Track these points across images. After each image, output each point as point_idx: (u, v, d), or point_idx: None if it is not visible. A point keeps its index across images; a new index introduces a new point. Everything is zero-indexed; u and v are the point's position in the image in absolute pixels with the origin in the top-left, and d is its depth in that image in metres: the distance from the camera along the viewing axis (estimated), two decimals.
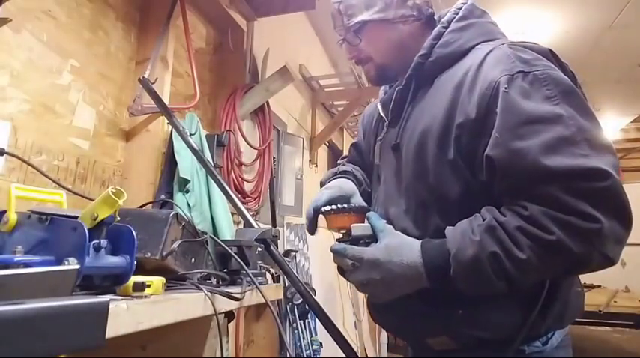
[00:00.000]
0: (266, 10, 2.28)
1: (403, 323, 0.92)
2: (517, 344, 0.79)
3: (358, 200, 0.98)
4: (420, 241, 0.80)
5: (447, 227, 0.79)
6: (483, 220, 0.74)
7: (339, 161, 1.28)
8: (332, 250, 0.86)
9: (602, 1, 3.19)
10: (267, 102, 2.26)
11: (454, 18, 0.89)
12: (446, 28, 0.88)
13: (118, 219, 0.71)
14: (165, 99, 1.56)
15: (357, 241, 0.85)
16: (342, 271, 0.89)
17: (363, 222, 0.87)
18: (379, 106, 1.03)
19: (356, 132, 4.75)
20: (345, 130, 4.39)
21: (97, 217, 0.67)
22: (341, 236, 0.89)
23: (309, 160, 3.60)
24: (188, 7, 1.78)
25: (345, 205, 0.89)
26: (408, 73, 0.91)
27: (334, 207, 0.88)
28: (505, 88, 0.75)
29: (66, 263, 0.60)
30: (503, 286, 0.73)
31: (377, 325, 4.42)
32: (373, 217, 0.86)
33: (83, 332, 0.46)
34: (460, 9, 0.90)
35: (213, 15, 2.12)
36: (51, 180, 1.11)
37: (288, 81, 2.18)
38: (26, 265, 0.58)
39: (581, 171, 0.68)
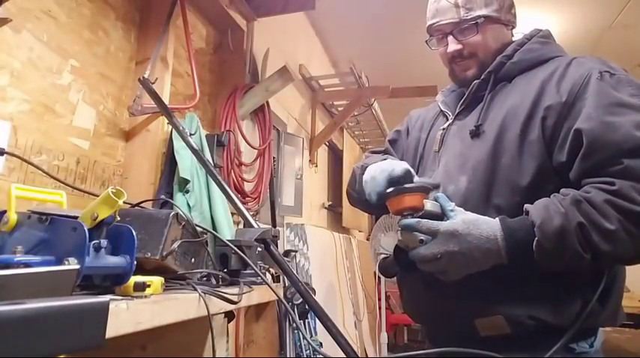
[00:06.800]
0: (266, 10, 2.28)
1: (451, 304, 0.91)
2: (572, 332, 0.80)
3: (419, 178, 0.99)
4: (498, 217, 0.82)
5: (526, 204, 0.81)
6: (564, 196, 0.77)
7: (366, 154, 1.29)
8: (402, 224, 0.84)
9: (602, 1, 3.19)
10: (267, 102, 2.26)
11: (536, 34, 1.02)
12: (528, 40, 1.01)
13: (118, 219, 0.71)
14: (166, 100, 1.56)
15: (427, 218, 0.83)
16: (398, 253, 0.88)
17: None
18: (441, 106, 1.13)
19: (357, 133, 4.76)
20: (345, 130, 4.38)
21: (97, 217, 0.68)
22: (404, 216, 0.86)
23: (309, 160, 3.60)
24: (188, 7, 1.78)
25: (407, 185, 0.86)
26: (489, 69, 1.00)
27: (392, 189, 0.86)
28: (597, 77, 0.85)
29: (66, 263, 0.60)
30: (588, 259, 0.74)
31: (378, 325, 4.42)
32: (442, 197, 0.86)
33: (83, 332, 0.46)
34: (540, 30, 1.04)
35: (213, 15, 2.12)
36: (53, 178, 1.10)
37: (288, 81, 2.18)
38: (26, 265, 0.58)
39: None
